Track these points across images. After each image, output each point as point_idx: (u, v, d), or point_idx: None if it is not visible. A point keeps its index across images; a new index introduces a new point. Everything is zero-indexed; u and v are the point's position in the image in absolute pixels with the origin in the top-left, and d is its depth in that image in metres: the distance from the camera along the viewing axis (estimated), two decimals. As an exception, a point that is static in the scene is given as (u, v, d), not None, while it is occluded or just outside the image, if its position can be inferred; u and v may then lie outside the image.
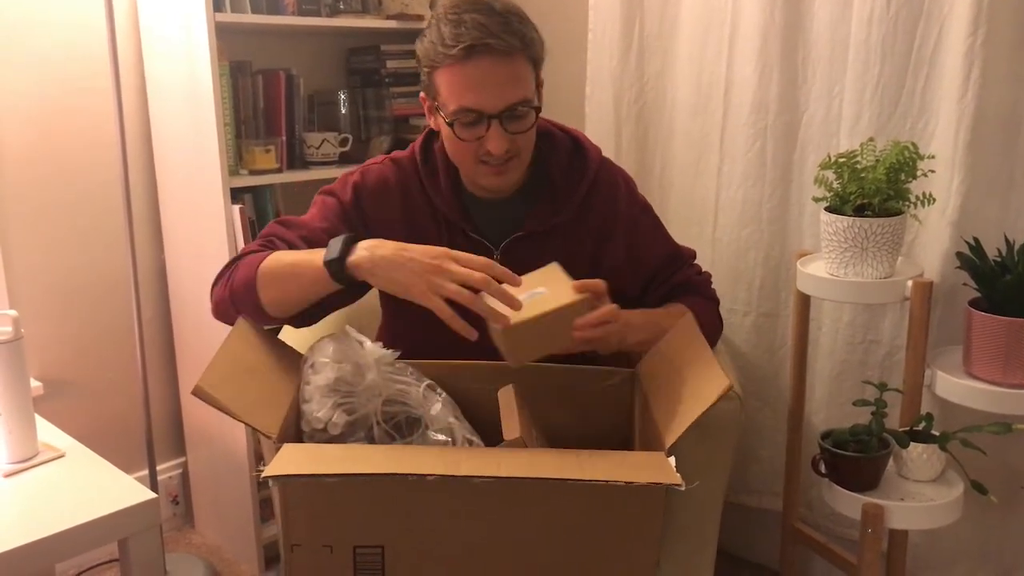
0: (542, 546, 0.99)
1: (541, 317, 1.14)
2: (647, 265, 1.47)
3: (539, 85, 1.34)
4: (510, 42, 1.22)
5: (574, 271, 1.37)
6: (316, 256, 1.20)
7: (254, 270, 1.25)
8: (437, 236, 1.40)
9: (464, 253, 1.15)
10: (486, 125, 1.26)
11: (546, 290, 1.19)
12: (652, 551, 1.00)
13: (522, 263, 1.38)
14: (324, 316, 1.34)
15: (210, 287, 1.34)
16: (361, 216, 1.40)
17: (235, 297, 1.27)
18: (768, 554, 2.02)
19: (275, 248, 1.33)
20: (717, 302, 1.52)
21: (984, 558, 1.73)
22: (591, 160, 1.42)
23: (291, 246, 1.33)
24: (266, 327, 1.27)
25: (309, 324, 1.34)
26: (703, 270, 1.54)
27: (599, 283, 1.22)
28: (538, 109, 1.30)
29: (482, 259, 1.14)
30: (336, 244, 1.19)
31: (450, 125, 1.29)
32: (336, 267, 1.18)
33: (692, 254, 1.53)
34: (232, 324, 1.26)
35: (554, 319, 1.14)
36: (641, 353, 1.31)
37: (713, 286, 1.54)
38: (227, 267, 1.32)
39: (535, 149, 1.41)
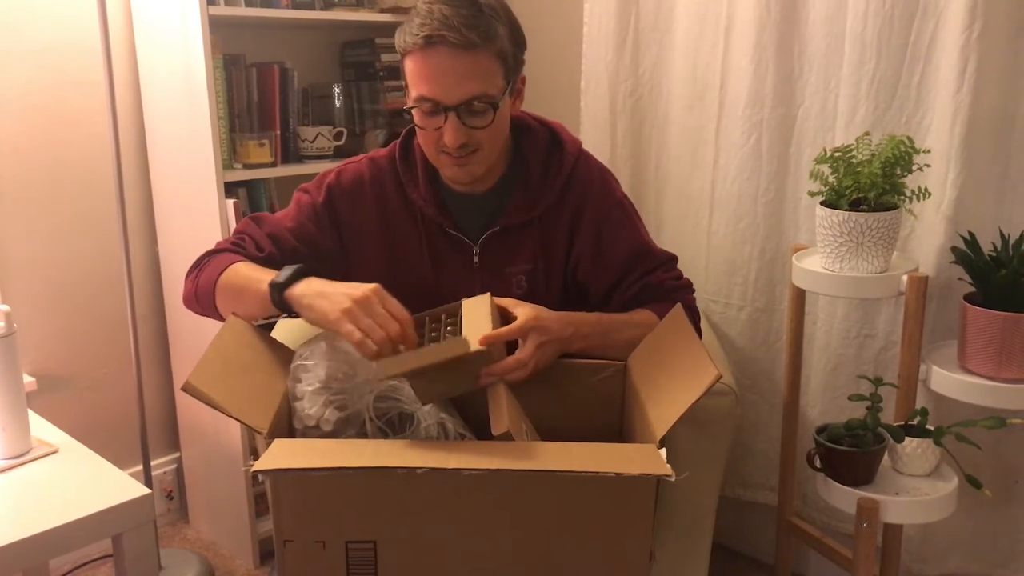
0: (534, 538, 0.99)
1: (431, 366, 1.11)
2: (612, 261, 1.39)
3: (515, 81, 1.32)
4: (468, 36, 1.21)
5: (551, 265, 1.39)
6: (266, 278, 1.23)
7: (215, 279, 1.29)
8: (415, 233, 1.40)
9: (394, 301, 1.15)
10: (444, 116, 1.26)
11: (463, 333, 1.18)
12: (644, 543, 1.00)
13: (500, 257, 1.38)
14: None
15: (184, 275, 1.38)
16: (333, 217, 1.40)
17: (199, 297, 1.32)
18: (763, 548, 2.03)
19: (244, 246, 1.36)
20: (694, 311, 1.40)
21: (978, 552, 1.73)
22: (567, 154, 1.40)
23: (258, 244, 1.36)
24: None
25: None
26: (683, 276, 1.44)
27: (506, 332, 1.20)
28: (496, 106, 1.27)
29: (407, 316, 1.15)
30: (286, 272, 1.22)
31: (412, 112, 1.30)
32: (276, 293, 1.20)
33: (670, 257, 1.44)
34: (199, 314, 1.34)
35: (452, 366, 1.12)
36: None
37: (694, 295, 1.44)
38: (198, 262, 1.36)
39: (514, 143, 1.40)
